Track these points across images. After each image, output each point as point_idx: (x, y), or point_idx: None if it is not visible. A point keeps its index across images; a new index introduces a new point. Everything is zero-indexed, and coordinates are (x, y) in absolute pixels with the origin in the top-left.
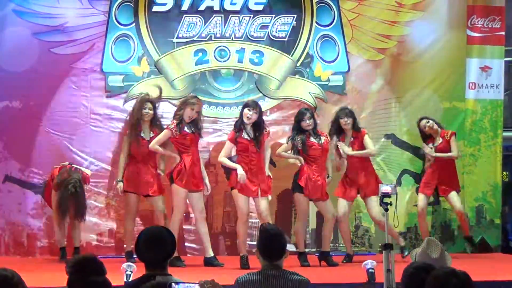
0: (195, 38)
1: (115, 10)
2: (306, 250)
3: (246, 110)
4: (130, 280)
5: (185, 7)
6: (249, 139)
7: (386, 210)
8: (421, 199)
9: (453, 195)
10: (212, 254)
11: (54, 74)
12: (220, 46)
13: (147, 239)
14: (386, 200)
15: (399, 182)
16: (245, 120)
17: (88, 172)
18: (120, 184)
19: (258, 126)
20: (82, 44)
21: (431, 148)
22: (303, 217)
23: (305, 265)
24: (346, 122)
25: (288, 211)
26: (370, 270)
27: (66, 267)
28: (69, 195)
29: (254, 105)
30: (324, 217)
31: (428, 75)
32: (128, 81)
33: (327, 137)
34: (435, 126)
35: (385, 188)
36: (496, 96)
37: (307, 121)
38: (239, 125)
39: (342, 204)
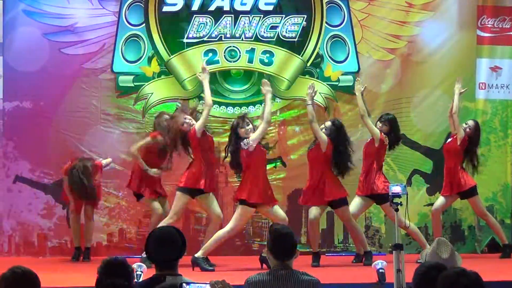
0: (205, 39)
1: (125, 11)
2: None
3: (239, 130)
4: (141, 280)
5: (195, 7)
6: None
7: (397, 210)
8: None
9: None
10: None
11: (64, 74)
12: (230, 47)
13: (157, 239)
14: (396, 200)
15: (409, 182)
16: (245, 135)
17: (105, 162)
18: (154, 170)
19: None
20: (93, 44)
21: None
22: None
23: (313, 265)
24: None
25: (298, 211)
26: (380, 270)
27: (98, 267)
28: (73, 181)
29: (242, 120)
30: None
31: (438, 75)
32: (138, 82)
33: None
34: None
35: (395, 188)
36: (506, 96)
37: None
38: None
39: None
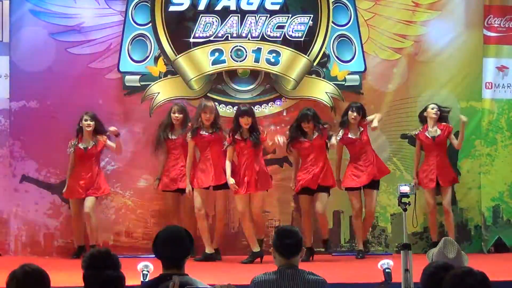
0: (211, 38)
1: (131, 10)
2: (322, 249)
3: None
4: (147, 280)
5: (201, 7)
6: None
7: (405, 210)
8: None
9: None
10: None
11: (71, 74)
12: (237, 46)
13: (165, 237)
14: (405, 200)
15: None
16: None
17: (109, 144)
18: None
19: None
20: (99, 44)
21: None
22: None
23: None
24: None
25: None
26: (386, 270)
27: (82, 261)
28: None
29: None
30: None
31: (445, 75)
32: (144, 81)
33: (322, 132)
34: (437, 117)
35: (403, 188)
36: None
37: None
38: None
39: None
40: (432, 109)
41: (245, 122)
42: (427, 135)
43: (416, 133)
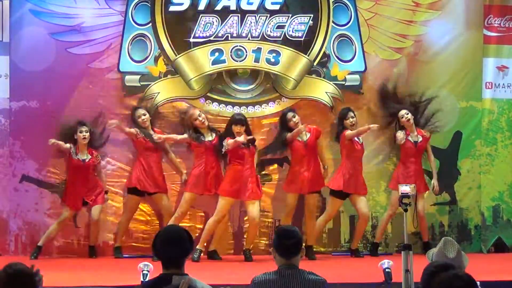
0: (211, 38)
1: (131, 10)
2: (322, 249)
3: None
4: (147, 279)
5: (201, 7)
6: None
7: (406, 210)
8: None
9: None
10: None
11: (71, 74)
12: (237, 46)
13: (165, 237)
14: (406, 200)
15: None
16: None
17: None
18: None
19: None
20: (99, 44)
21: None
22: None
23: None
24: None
25: (300, 208)
26: (386, 270)
27: None
28: None
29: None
30: None
31: (445, 75)
32: (144, 81)
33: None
34: (411, 121)
35: (404, 189)
36: None
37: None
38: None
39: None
40: (402, 117)
41: (237, 130)
42: (410, 139)
43: (403, 142)
